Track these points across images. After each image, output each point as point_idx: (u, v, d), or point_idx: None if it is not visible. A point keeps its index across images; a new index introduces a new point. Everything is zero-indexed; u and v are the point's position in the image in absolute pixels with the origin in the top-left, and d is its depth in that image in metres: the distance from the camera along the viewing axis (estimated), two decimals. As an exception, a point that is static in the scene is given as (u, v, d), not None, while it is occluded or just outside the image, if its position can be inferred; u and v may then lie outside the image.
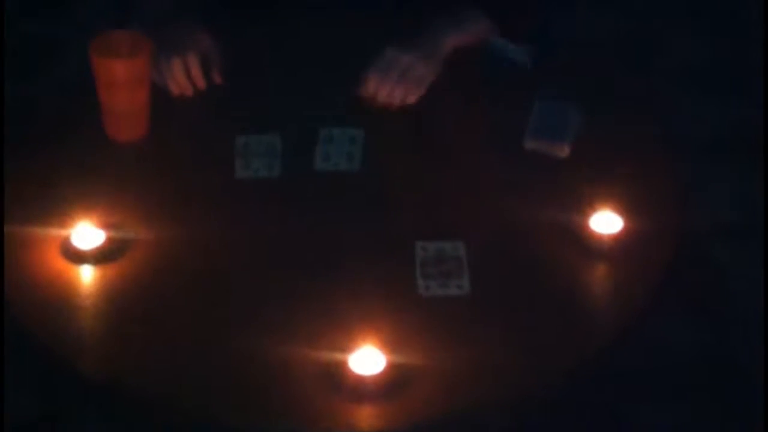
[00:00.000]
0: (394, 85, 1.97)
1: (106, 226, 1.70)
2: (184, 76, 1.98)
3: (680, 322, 2.55)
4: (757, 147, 2.98)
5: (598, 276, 1.70)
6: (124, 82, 1.83)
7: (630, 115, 1.96)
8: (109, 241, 1.69)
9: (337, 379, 1.51)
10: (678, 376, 2.48)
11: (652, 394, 2.42)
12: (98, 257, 1.68)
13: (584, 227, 1.71)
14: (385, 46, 1.99)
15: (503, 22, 2.06)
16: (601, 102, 1.95)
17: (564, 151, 1.86)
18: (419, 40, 2.02)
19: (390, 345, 1.52)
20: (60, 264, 1.68)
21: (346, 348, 1.52)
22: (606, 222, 1.70)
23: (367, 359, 1.50)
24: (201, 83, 1.99)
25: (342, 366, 1.50)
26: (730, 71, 3.32)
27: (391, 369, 1.50)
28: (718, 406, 2.42)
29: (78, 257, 1.68)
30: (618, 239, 1.69)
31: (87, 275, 1.67)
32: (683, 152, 2.18)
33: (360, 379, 1.49)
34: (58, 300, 1.64)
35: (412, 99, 1.98)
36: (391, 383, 1.50)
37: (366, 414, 1.50)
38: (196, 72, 1.98)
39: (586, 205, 1.72)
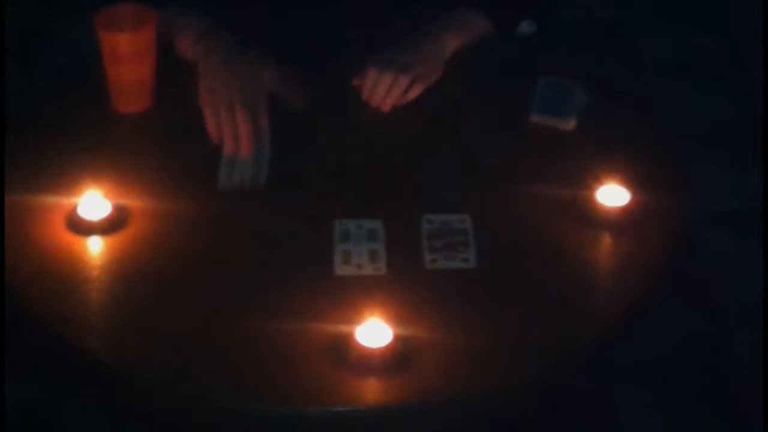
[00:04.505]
0: (393, 80, 1.89)
1: (111, 196, 1.70)
2: (252, 138, 1.78)
3: (680, 309, 2.56)
4: (756, 136, 2.99)
5: (604, 249, 1.70)
6: (128, 54, 1.83)
7: (629, 104, 1.97)
8: (116, 211, 1.69)
9: (343, 352, 1.50)
10: (677, 365, 2.49)
11: (650, 381, 2.42)
12: (105, 228, 1.67)
13: (590, 200, 1.71)
14: (383, 48, 1.94)
15: (500, 19, 2.02)
16: (601, 89, 1.95)
17: (570, 125, 1.86)
18: (419, 42, 1.96)
19: (396, 318, 1.52)
20: (65, 235, 1.67)
21: (352, 321, 1.51)
22: (612, 195, 1.70)
23: (374, 332, 1.50)
24: (267, 147, 1.79)
25: (348, 339, 1.50)
26: (729, 61, 3.33)
27: (397, 342, 1.50)
28: (716, 393, 2.43)
29: (84, 228, 1.68)
30: (624, 212, 1.70)
31: (93, 246, 1.67)
32: (683, 140, 2.19)
33: (366, 352, 1.49)
34: (63, 273, 1.63)
35: (411, 95, 1.90)
36: (397, 356, 1.49)
37: (371, 388, 1.49)
38: (264, 135, 1.80)
39: (592, 178, 1.72)
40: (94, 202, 1.68)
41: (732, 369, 2.48)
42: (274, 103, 1.84)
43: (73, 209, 1.69)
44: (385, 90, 1.89)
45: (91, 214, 1.68)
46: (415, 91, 1.91)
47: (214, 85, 1.82)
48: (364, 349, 1.49)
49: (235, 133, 1.77)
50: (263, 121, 1.79)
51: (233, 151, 1.77)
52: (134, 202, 1.72)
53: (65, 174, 1.75)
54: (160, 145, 1.85)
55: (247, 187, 1.74)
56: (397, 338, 1.50)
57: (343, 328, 1.52)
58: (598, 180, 1.72)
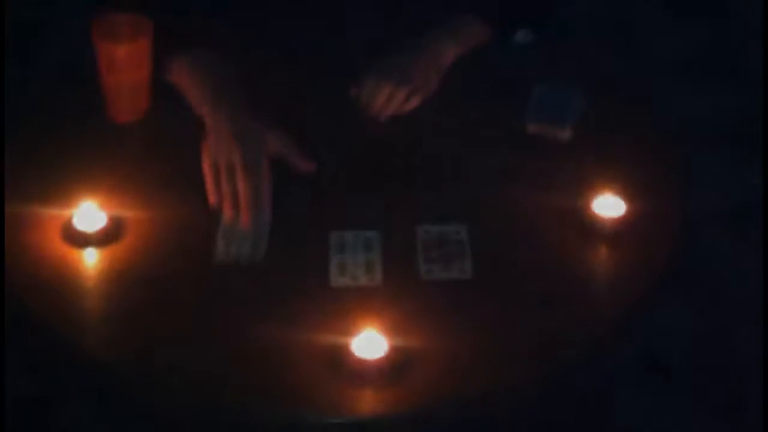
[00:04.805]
0: (391, 92, 1.88)
1: (107, 207, 1.70)
2: (253, 206, 1.70)
3: (680, 308, 2.55)
4: (756, 136, 2.98)
5: (601, 260, 1.70)
6: (125, 64, 1.83)
7: (629, 101, 1.97)
8: (111, 222, 1.69)
9: (340, 363, 1.50)
10: (677, 365, 2.49)
11: (650, 380, 2.42)
12: (100, 239, 1.68)
13: (587, 210, 1.70)
14: (382, 57, 1.94)
15: (499, 26, 2.01)
16: (601, 88, 1.95)
17: (566, 133, 1.86)
18: (418, 52, 1.95)
19: (392, 329, 1.52)
20: (62, 246, 1.67)
21: (349, 332, 1.51)
22: (609, 205, 1.70)
23: (370, 343, 1.50)
24: (267, 217, 1.71)
25: (344, 350, 1.50)
26: (728, 57, 3.32)
27: (393, 353, 1.50)
28: (716, 393, 2.43)
29: (80, 239, 1.68)
30: (621, 222, 1.69)
31: (89, 257, 1.67)
32: (682, 138, 2.18)
33: (362, 363, 1.49)
34: (60, 283, 1.63)
35: (409, 106, 1.90)
36: (393, 367, 1.50)
37: (368, 399, 1.50)
38: (266, 203, 1.71)
39: (589, 189, 1.72)
40: (89, 213, 1.69)
41: (732, 368, 2.48)
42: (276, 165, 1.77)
43: (69, 221, 1.69)
44: (383, 101, 1.89)
45: (87, 226, 1.68)
46: (414, 103, 1.91)
47: (217, 145, 1.75)
48: (361, 359, 1.49)
49: (235, 197, 1.70)
50: (265, 184, 1.72)
51: (231, 218, 1.70)
52: (130, 212, 1.72)
53: (61, 184, 1.75)
54: (156, 154, 1.85)
55: (244, 261, 1.67)
56: (394, 349, 1.50)
57: (339, 339, 1.51)
58: (596, 188, 1.71)
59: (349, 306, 1.58)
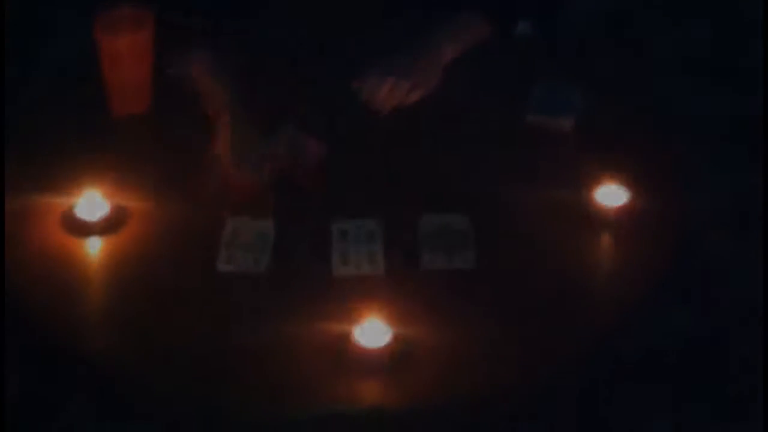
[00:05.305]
0: (393, 86, 1.91)
1: (110, 197, 1.71)
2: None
3: (680, 308, 2.55)
4: (755, 133, 2.98)
5: (602, 249, 1.71)
6: (127, 57, 1.84)
7: (629, 101, 1.97)
8: (113, 211, 1.70)
9: (342, 352, 1.51)
10: (677, 365, 2.48)
11: (650, 381, 2.42)
12: (103, 228, 1.68)
13: (589, 200, 1.71)
14: (384, 54, 1.95)
15: (499, 21, 2.02)
16: (601, 87, 1.96)
17: (567, 125, 1.86)
18: (419, 49, 1.97)
19: (395, 318, 1.52)
20: (63, 236, 1.68)
21: (351, 322, 1.52)
22: (610, 195, 1.70)
23: (372, 332, 1.50)
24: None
25: (347, 339, 1.50)
26: (728, 57, 3.32)
27: (396, 342, 1.50)
28: (716, 393, 2.42)
29: (82, 228, 1.68)
30: (622, 212, 1.70)
31: (90, 247, 1.68)
32: (682, 138, 2.18)
33: (365, 353, 1.50)
34: (61, 273, 1.64)
35: (410, 100, 1.92)
36: (396, 356, 1.50)
37: (370, 388, 1.50)
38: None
39: (591, 179, 1.72)
40: (92, 202, 1.69)
41: (732, 368, 2.47)
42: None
43: (71, 210, 1.69)
44: (384, 94, 1.90)
45: (90, 215, 1.69)
46: (414, 97, 1.92)
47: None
48: (363, 349, 1.50)
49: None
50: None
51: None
52: (132, 202, 1.73)
53: (63, 175, 1.76)
54: (159, 146, 1.86)
55: (248, 267, 1.66)
56: (396, 338, 1.51)
57: (341, 329, 1.52)
58: (597, 180, 1.72)
59: (351, 296, 1.58)
